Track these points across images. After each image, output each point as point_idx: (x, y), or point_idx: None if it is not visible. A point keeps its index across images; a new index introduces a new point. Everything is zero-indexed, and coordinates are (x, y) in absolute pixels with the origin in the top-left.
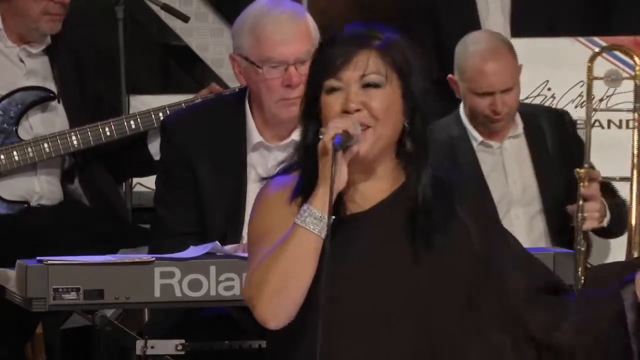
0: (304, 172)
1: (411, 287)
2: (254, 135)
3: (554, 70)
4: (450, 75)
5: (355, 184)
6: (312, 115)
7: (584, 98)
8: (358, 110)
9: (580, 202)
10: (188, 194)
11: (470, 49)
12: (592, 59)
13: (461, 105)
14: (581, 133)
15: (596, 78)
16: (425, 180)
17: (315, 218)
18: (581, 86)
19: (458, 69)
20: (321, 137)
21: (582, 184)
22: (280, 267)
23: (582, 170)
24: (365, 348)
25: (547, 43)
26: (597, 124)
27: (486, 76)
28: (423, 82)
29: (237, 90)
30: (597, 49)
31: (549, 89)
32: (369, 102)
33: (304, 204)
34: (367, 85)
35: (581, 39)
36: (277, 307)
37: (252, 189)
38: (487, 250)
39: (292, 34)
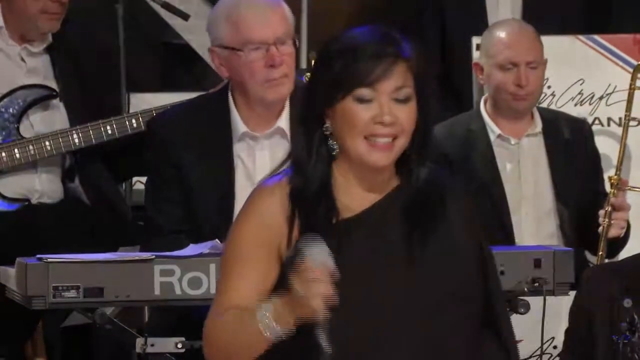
0: (307, 177)
1: (410, 291)
2: (239, 126)
3: (554, 69)
4: (475, 61)
5: (349, 188)
6: (316, 120)
7: (584, 96)
8: (392, 123)
9: (609, 209)
10: (177, 192)
11: (495, 31)
12: (638, 68)
13: (482, 100)
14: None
15: (639, 88)
16: (423, 183)
17: (275, 331)
18: (581, 84)
19: (483, 51)
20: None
21: (613, 191)
22: (231, 349)
23: (615, 177)
24: (368, 354)
25: (547, 41)
26: (596, 121)
27: (510, 46)
28: (433, 89)
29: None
30: (596, 47)
31: (549, 87)
32: (400, 115)
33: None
34: (398, 99)
35: (581, 37)
36: None
37: (240, 180)
38: (473, 251)
39: (269, 17)
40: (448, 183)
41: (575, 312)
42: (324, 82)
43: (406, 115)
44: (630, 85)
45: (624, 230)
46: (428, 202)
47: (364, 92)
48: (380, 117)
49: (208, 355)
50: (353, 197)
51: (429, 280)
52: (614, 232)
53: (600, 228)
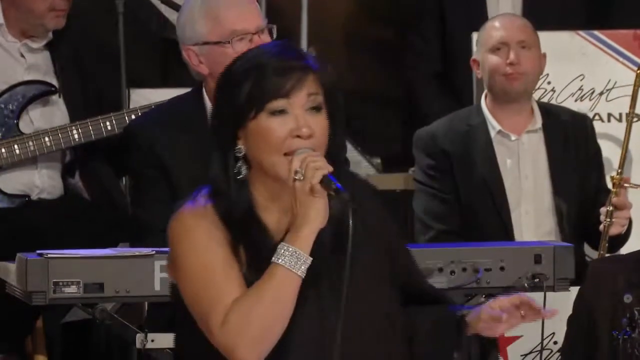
0: (231, 202)
1: (343, 307)
2: None
3: (553, 64)
4: (472, 58)
5: (270, 208)
6: (230, 140)
7: (584, 92)
8: (310, 135)
9: (610, 208)
10: (163, 191)
11: (488, 22)
12: None
13: (483, 95)
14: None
15: None
16: (343, 198)
17: (298, 259)
18: (581, 80)
19: (478, 44)
20: (298, 178)
21: (615, 190)
22: (264, 310)
23: (617, 177)
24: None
25: (547, 37)
26: (597, 117)
27: (500, 29)
28: (341, 100)
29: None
30: (596, 43)
31: (549, 83)
32: (314, 126)
33: (280, 241)
34: (311, 109)
35: (581, 32)
36: (261, 351)
37: None
38: (392, 246)
39: (247, 8)
40: (358, 188)
41: (578, 305)
42: (232, 103)
43: (320, 126)
44: (635, 83)
45: (625, 228)
46: (345, 223)
47: (278, 103)
48: (298, 130)
49: (243, 351)
50: (275, 216)
51: (357, 291)
52: (615, 230)
53: (602, 226)
